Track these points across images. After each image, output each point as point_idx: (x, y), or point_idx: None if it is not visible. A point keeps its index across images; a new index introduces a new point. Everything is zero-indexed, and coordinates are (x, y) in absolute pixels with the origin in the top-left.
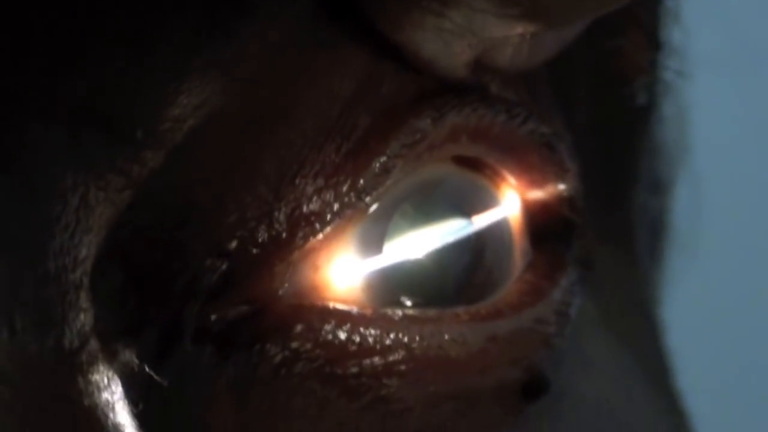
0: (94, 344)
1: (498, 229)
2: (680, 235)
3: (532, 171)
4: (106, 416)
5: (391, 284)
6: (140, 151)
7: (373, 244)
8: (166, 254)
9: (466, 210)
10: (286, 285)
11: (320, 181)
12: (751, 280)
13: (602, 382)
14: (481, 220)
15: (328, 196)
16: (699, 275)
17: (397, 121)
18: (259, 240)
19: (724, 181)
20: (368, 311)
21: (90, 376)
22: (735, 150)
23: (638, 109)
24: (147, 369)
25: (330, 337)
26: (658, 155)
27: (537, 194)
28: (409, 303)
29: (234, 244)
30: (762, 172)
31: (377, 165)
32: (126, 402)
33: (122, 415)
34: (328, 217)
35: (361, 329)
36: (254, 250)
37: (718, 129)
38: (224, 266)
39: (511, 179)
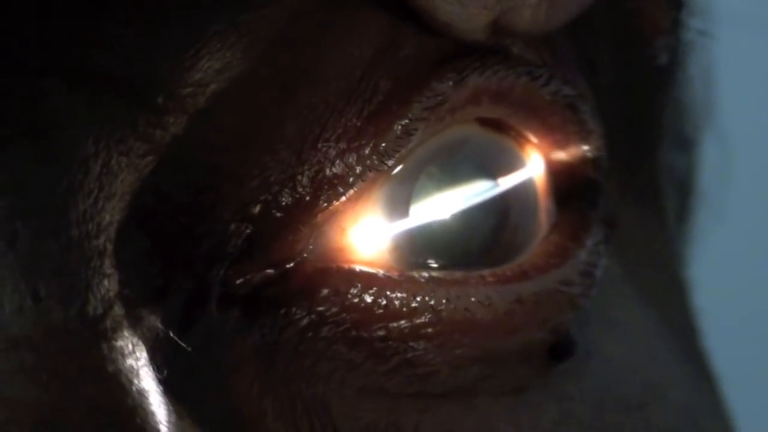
0: (118, 310)
1: (523, 190)
2: (707, 193)
3: (555, 132)
4: (131, 382)
5: (418, 246)
6: (162, 116)
7: (399, 206)
8: (190, 219)
9: (491, 171)
10: (311, 248)
11: (342, 144)
12: None
13: (628, 342)
14: (506, 181)
15: (351, 158)
16: (726, 234)
17: (418, 84)
18: (283, 203)
19: (750, 138)
20: (394, 274)
21: (114, 342)
22: (761, 107)
23: (662, 69)
24: (172, 334)
25: (356, 300)
26: (683, 114)
27: (561, 155)
28: (434, 265)
29: (258, 207)
30: None
31: (399, 128)
32: (151, 368)
33: (147, 380)
34: (351, 179)
35: (388, 292)
36: (278, 214)
37: (744, 86)
38: (249, 230)
39: (535, 140)
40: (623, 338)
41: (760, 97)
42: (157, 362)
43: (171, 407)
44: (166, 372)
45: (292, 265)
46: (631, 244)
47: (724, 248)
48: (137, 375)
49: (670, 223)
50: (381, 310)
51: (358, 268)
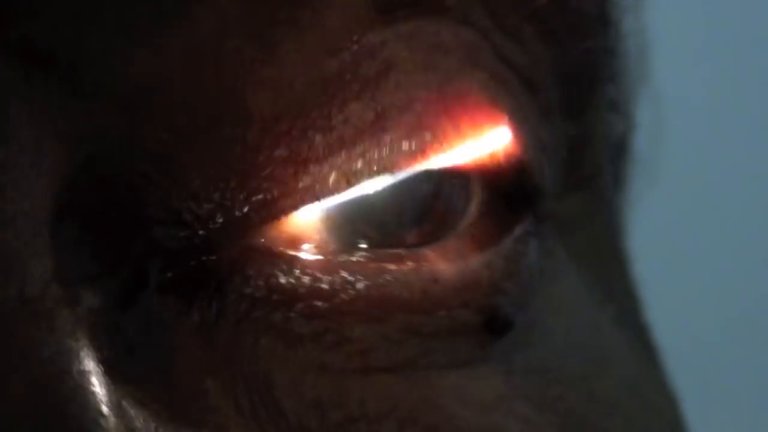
0: (56, 290)
1: (454, 171)
2: (642, 158)
3: (481, 114)
4: (70, 363)
5: (344, 225)
6: (96, 101)
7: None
8: (124, 208)
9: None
10: (243, 231)
11: (283, 152)
12: (713, 203)
13: (572, 317)
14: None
15: (287, 177)
16: (661, 200)
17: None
18: (215, 216)
19: (685, 101)
20: (312, 254)
21: (53, 322)
22: (694, 69)
23: (596, 32)
24: (112, 315)
25: (282, 281)
26: (618, 77)
27: (490, 139)
28: (362, 245)
29: (193, 202)
30: (722, 88)
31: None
32: (91, 348)
33: (87, 361)
34: (290, 188)
35: (309, 272)
36: (210, 225)
37: (679, 48)
38: (182, 233)
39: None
40: (567, 313)
41: (692, 58)
42: (97, 343)
43: (112, 387)
44: (106, 353)
45: (225, 248)
46: (574, 226)
47: (658, 214)
48: (77, 356)
49: (609, 193)
50: (305, 290)
51: (281, 249)
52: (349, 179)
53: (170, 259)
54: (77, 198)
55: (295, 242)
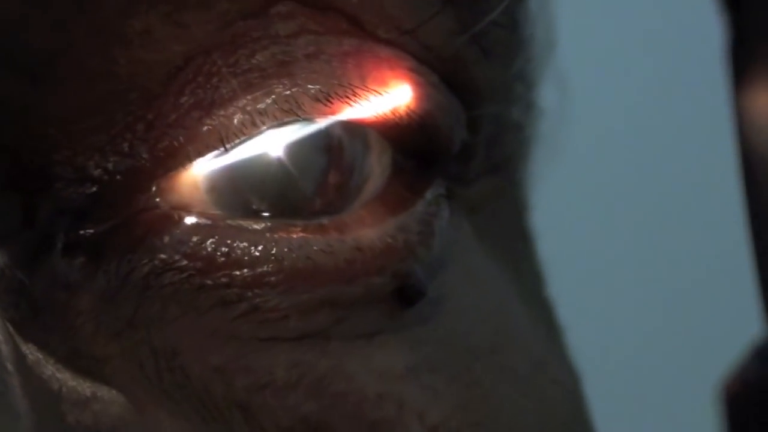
0: None
1: (356, 129)
2: (546, 135)
3: (387, 70)
4: None
5: (252, 189)
6: (1, 74)
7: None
8: (28, 174)
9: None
10: (155, 199)
11: (188, 99)
12: (616, 182)
13: (480, 291)
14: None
15: (189, 139)
16: (565, 176)
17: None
18: (122, 166)
19: (589, 77)
20: (234, 223)
21: None
22: (602, 46)
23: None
24: (18, 275)
25: (197, 249)
26: (524, 54)
27: (395, 96)
28: (267, 212)
29: (97, 169)
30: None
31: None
32: None
33: None
34: (190, 153)
35: (228, 241)
36: (118, 176)
37: (585, 24)
38: (91, 189)
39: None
40: (475, 287)
41: (598, 35)
42: (2, 302)
43: (17, 346)
44: (11, 312)
45: (134, 214)
46: (482, 204)
47: (562, 192)
48: None
49: (517, 177)
50: (223, 258)
51: (197, 217)
52: (254, 120)
53: (78, 219)
54: None
55: (206, 207)
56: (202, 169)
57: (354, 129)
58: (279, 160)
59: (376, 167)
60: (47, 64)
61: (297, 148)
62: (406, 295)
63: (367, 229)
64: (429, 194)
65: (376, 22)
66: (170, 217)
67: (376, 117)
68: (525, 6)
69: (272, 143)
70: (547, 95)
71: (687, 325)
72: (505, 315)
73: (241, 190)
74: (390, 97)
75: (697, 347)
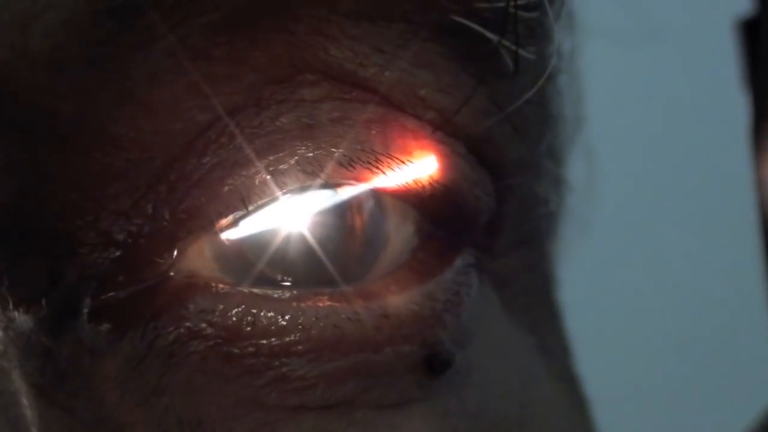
0: None
1: (375, 199)
2: (574, 209)
3: (413, 139)
4: (2, 384)
5: (283, 261)
6: (29, 133)
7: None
8: (53, 239)
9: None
10: (178, 266)
11: (210, 159)
12: (643, 256)
13: (507, 363)
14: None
15: (213, 202)
16: (592, 250)
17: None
18: (146, 231)
19: (618, 154)
20: (260, 292)
21: None
22: (627, 122)
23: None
24: (43, 341)
25: (223, 317)
26: (554, 128)
27: (421, 165)
28: (291, 281)
29: (122, 235)
30: (654, 144)
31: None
32: (23, 370)
33: (19, 383)
34: (213, 216)
35: (254, 310)
36: (142, 240)
37: (613, 101)
38: (115, 254)
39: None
40: (503, 360)
41: (625, 112)
42: (29, 366)
43: (42, 411)
44: (37, 376)
45: (160, 281)
46: (510, 278)
47: (589, 264)
48: (8, 376)
49: (544, 244)
50: (249, 328)
51: (222, 285)
52: (277, 181)
53: (103, 284)
54: (9, 225)
55: (234, 277)
56: (225, 238)
57: (375, 196)
58: (299, 231)
59: (395, 235)
60: (72, 131)
61: (316, 217)
62: (433, 364)
63: (393, 297)
64: (458, 263)
65: (407, 102)
66: (195, 285)
67: (399, 185)
68: (555, 83)
69: (292, 212)
70: (576, 170)
71: (713, 404)
72: (532, 389)
73: (263, 260)
74: (414, 166)
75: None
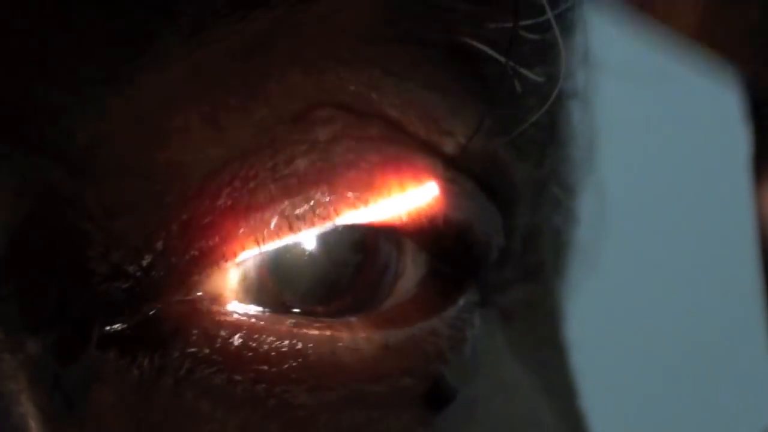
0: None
1: (389, 235)
2: (583, 244)
3: (419, 177)
4: (11, 404)
5: (285, 285)
6: (41, 156)
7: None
8: (64, 267)
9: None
10: (184, 292)
11: (225, 201)
12: (653, 291)
13: (511, 400)
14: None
15: (225, 241)
16: (601, 286)
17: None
18: (157, 266)
19: (628, 190)
20: (261, 318)
21: None
22: (638, 160)
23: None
24: (52, 368)
25: (226, 343)
26: (566, 165)
27: (436, 215)
28: (298, 307)
29: (132, 268)
30: (665, 180)
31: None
32: (32, 393)
33: (28, 405)
34: (226, 256)
35: (255, 336)
36: (153, 273)
37: (625, 138)
38: (125, 285)
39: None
40: (506, 396)
41: (636, 149)
42: (38, 389)
43: None
44: (47, 399)
45: (166, 308)
46: (516, 314)
47: (598, 302)
48: (18, 399)
49: (551, 280)
50: (251, 353)
51: (225, 311)
52: (291, 225)
53: (112, 312)
54: (19, 251)
55: (236, 299)
56: (234, 262)
57: (389, 233)
58: (315, 254)
59: (410, 269)
60: (87, 155)
61: (333, 244)
62: (435, 398)
63: (395, 330)
64: (462, 300)
65: (418, 124)
66: (199, 311)
67: (413, 225)
68: (564, 107)
69: (308, 237)
70: (586, 205)
71: None
72: (535, 426)
73: (275, 283)
74: (426, 207)
75: None
